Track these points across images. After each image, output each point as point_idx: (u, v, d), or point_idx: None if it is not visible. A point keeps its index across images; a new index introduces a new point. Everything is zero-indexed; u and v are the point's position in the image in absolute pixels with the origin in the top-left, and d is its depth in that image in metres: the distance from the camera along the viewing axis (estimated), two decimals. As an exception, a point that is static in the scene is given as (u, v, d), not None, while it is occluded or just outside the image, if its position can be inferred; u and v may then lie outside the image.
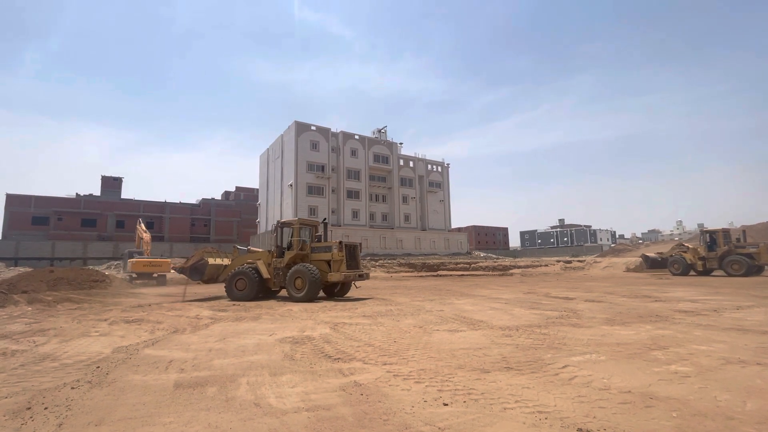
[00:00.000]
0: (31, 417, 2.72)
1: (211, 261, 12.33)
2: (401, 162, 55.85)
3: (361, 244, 12.34)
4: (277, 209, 49.60)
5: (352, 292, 12.52)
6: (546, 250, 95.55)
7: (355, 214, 50.45)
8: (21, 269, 28.45)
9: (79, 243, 46.80)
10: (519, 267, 33.59)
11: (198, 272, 12.43)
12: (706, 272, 19.94)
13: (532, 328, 5.83)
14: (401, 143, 56.67)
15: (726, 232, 19.70)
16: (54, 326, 6.71)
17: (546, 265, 33.29)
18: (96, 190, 57.78)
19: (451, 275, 28.48)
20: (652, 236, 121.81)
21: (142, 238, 23.43)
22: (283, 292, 12.06)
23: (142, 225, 23.40)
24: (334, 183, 49.31)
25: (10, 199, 47.82)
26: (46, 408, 2.88)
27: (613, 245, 70.08)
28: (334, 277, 10.69)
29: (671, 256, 21.61)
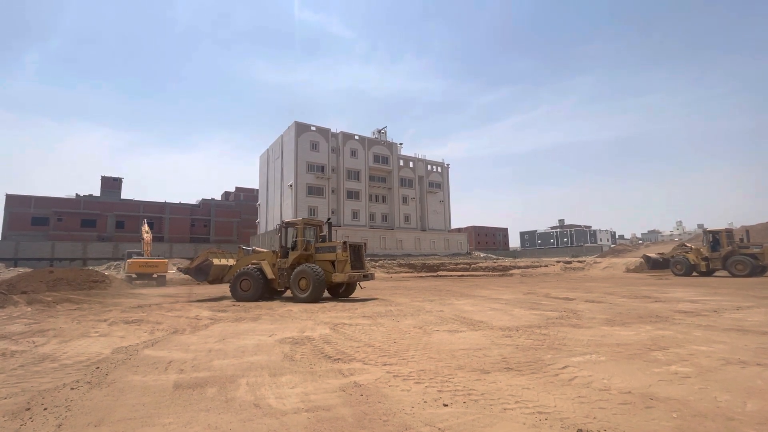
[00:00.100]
0: (30, 418, 2.72)
1: (215, 261, 12.32)
2: (401, 162, 55.87)
3: (365, 243, 12.22)
4: (277, 210, 49.60)
5: (354, 293, 12.43)
6: (546, 250, 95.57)
7: (355, 215, 50.46)
8: (21, 270, 28.44)
9: (79, 243, 46.78)
10: (519, 267, 33.58)
11: (203, 273, 12.43)
12: (709, 273, 19.86)
13: (532, 329, 5.83)
14: (401, 144, 56.77)
15: (729, 233, 19.59)
16: (53, 327, 6.71)
17: (546, 266, 33.29)
18: (96, 191, 57.78)
19: (450, 276, 28.48)
20: (652, 236, 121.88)
21: (142, 239, 23.42)
22: (289, 293, 12.03)
23: (146, 226, 23.39)
24: (334, 183, 49.31)
25: (10, 199, 47.82)
26: (45, 409, 2.88)
27: (612, 246, 70.11)
28: (338, 277, 10.59)
29: (673, 256, 21.52)
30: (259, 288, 11.04)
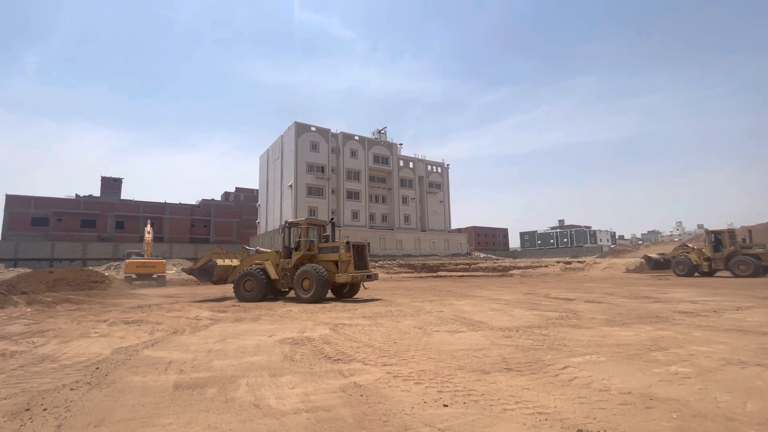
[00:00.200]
0: (30, 418, 2.72)
1: (219, 262, 12.31)
2: (401, 163, 55.91)
3: (369, 244, 12.11)
4: (277, 210, 49.61)
5: (357, 293, 12.28)
6: (546, 251, 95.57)
7: (355, 215, 50.47)
8: (20, 270, 28.44)
9: (79, 244, 46.79)
10: (519, 268, 33.58)
11: (207, 273, 12.43)
12: (711, 273, 19.78)
13: (532, 329, 5.83)
14: (401, 144, 56.83)
15: (732, 233, 19.51)
16: (53, 327, 6.70)
17: (546, 266, 33.29)
18: (96, 191, 57.82)
19: (450, 276, 28.48)
20: (652, 237, 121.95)
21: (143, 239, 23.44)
22: (292, 293, 11.98)
23: (148, 226, 23.41)
24: (333, 184, 49.33)
25: (10, 199, 47.82)
26: (45, 409, 2.87)
27: (612, 246, 70.11)
28: (341, 278, 10.51)
29: (674, 257, 21.42)
30: (262, 288, 11.01)
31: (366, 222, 50.90)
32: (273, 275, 11.26)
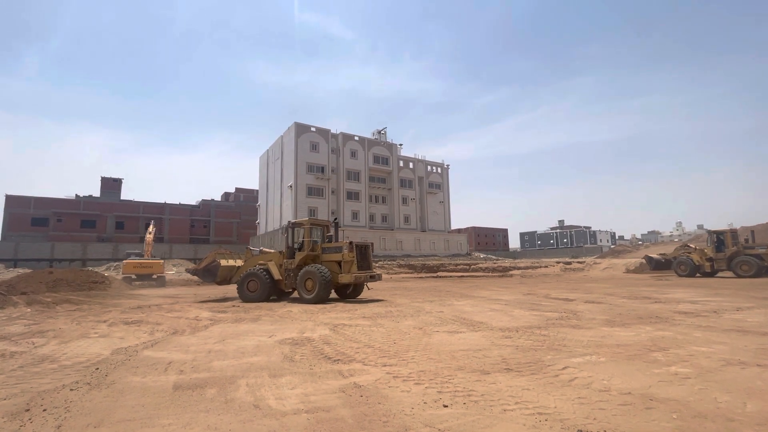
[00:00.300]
0: (29, 419, 2.72)
1: (223, 262, 12.31)
2: (401, 163, 55.92)
3: (372, 244, 11.84)
4: (277, 211, 49.62)
5: (361, 294, 12.09)
6: (546, 251, 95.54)
7: (355, 216, 50.47)
8: (20, 270, 28.42)
9: (79, 244, 46.81)
10: (519, 268, 33.59)
11: (211, 274, 12.44)
12: (713, 273, 19.70)
13: (532, 330, 5.83)
14: (401, 144, 56.79)
15: (734, 233, 19.39)
16: (53, 328, 6.70)
17: (546, 267, 33.30)
18: (96, 192, 57.83)
19: (450, 276, 28.47)
20: (652, 237, 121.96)
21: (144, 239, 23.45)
22: (296, 294, 11.92)
23: (150, 227, 23.43)
24: (333, 184, 49.34)
25: (10, 200, 47.83)
26: (44, 410, 2.87)
27: (612, 246, 70.11)
28: (344, 278, 10.45)
29: (676, 257, 21.34)
30: (266, 289, 10.98)
31: (366, 222, 50.91)
32: (276, 276, 11.23)
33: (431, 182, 58.59)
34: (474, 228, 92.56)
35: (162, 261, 21.73)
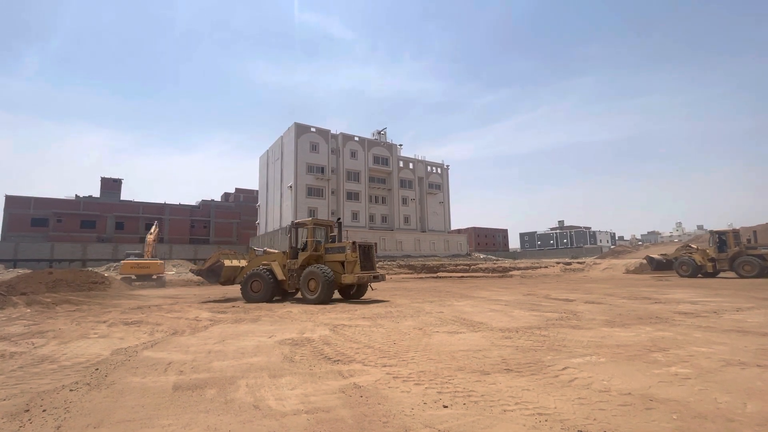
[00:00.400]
0: (29, 419, 2.71)
1: (227, 263, 12.30)
2: (401, 164, 55.90)
3: (376, 244, 11.71)
4: (277, 211, 49.60)
5: (365, 294, 11.98)
6: (546, 251, 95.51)
7: (355, 216, 50.45)
8: (20, 271, 28.40)
9: (79, 245, 46.74)
10: (519, 269, 33.59)
11: (215, 274, 12.44)
12: (715, 274, 19.65)
13: (532, 330, 5.83)
14: (401, 145, 56.75)
15: (736, 233, 19.33)
16: (53, 328, 6.70)
17: (546, 267, 33.29)
18: (95, 192, 57.78)
19: (450, 277, 28.47)
20: (652, 238, 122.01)
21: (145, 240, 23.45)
22: (300, 294, 11.86)
23: (153, 227, 23.44)
24: (333, 185, 49.33)
25: (10, 200, 47.79)
26: (44, 410, 2.87)
27: (612, 247, 70.12)
28: (347, 278, 10.38)
29: (677, 257, 21.28)
30: (269, 289, 10.95)
31: (366, 223, 50.89)
32: (280, 276, 11.18)
33: (431, 183, 58.57)
34: (474, 228, 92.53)
35: (161, 261, 21.70)
